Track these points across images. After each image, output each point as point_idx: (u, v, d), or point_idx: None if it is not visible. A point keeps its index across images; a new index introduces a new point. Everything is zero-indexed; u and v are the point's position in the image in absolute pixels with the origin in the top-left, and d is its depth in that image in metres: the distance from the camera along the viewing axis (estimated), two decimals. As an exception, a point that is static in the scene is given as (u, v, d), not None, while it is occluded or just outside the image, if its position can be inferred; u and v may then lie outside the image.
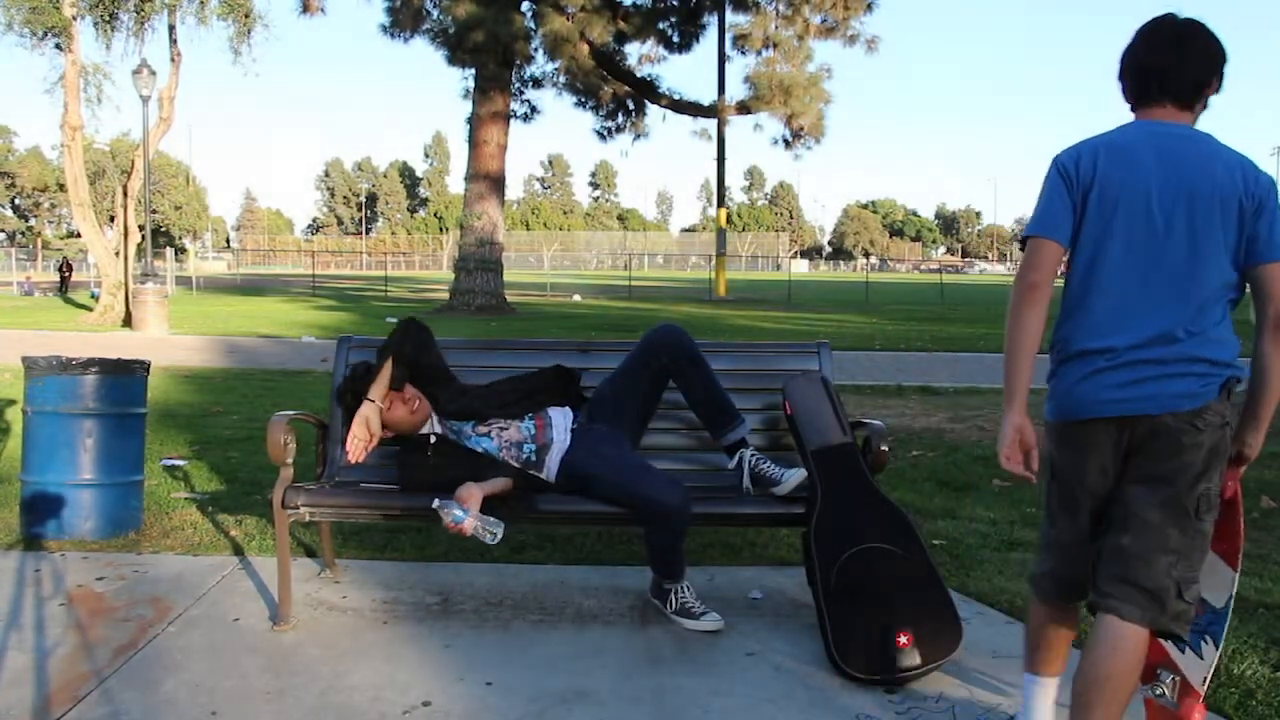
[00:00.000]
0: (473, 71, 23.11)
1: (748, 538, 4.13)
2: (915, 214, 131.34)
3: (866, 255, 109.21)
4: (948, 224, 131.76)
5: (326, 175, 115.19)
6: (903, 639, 2.74)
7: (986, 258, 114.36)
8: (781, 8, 24.75)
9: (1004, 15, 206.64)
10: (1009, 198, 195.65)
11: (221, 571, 3.62)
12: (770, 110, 24.43)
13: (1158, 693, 2.31)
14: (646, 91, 25.26)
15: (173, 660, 2.83)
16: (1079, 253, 2.12)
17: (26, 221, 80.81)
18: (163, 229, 66.57)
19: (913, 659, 2.73)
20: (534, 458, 3.24)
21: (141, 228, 19.17)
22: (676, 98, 25.41)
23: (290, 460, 3.16)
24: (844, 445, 3.17)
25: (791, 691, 2.70)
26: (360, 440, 3.19)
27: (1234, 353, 2.07)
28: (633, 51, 25.48)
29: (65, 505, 3.93)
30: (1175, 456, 2.03)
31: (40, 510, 3.93)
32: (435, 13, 23.45)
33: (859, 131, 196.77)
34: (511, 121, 23.71)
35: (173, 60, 19.04)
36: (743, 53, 25.26)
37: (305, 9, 23.52)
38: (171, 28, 18.91)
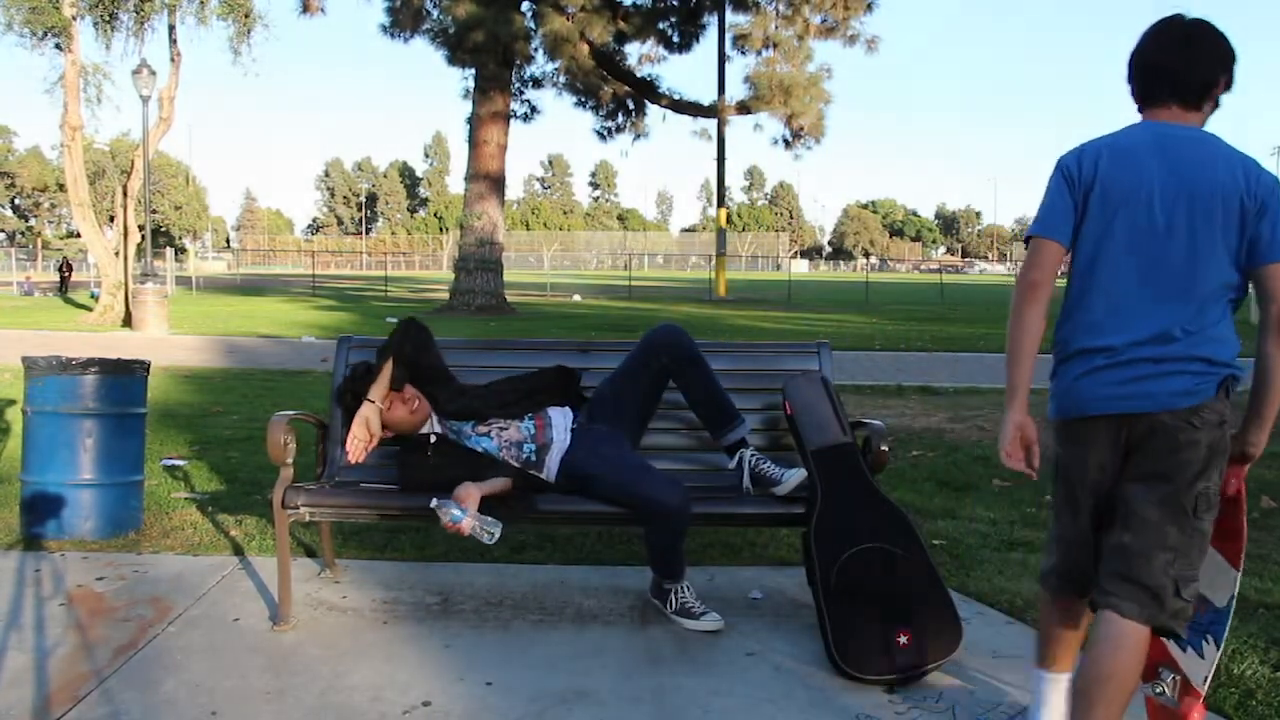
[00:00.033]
0: (473, 71, 23.12)
1: (748, 538, 4.13)
2: (915, 214, 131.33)
3: (866, 255, 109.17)
4: (948, 224, 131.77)
5: (326, 175, 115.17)
6: (903, 639, 2.75)
7: (986, 258, 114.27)
8: (781, 8, 24.75)
9: (1004, 15, 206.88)
10: (1009, 198, 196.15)
11: (221, 571, 3.62)
12: (770, 110, 24.44)
13: (1158, 691, 2.31)
14: (646, 91, 25.27)
15: (173, 660, 2.83)
16: (1079, 252, 2.13)
17: (26, 221, 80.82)
18: (162, 229, 66.53)
19: (913, 659, 2.74)
20: (534, 458, 3.24)
21: (141, 228, 19.18)
22: (676, 98, 25.43)
23: (290, 460, 3.16)
24: (844, 445, 3.17)
25: (791, 691, 2.70)
26: (360, 440, 3.20)
27: (1233, 352, 2.07)
28: (633, 51, 25.55)
29: (65, 505, 3.93)
30: (1173, 454, 2.04)
31: (40, 510, 3.93)
32: (435, 13, 23.48)
33: (859, 131, 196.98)
34: (511, 121, 23.73)
35: (172, 60, 19.05)
36: (743, 53, 25.29)
37: (305, 9, 23.54)
38: (171, 28, 18.95)
